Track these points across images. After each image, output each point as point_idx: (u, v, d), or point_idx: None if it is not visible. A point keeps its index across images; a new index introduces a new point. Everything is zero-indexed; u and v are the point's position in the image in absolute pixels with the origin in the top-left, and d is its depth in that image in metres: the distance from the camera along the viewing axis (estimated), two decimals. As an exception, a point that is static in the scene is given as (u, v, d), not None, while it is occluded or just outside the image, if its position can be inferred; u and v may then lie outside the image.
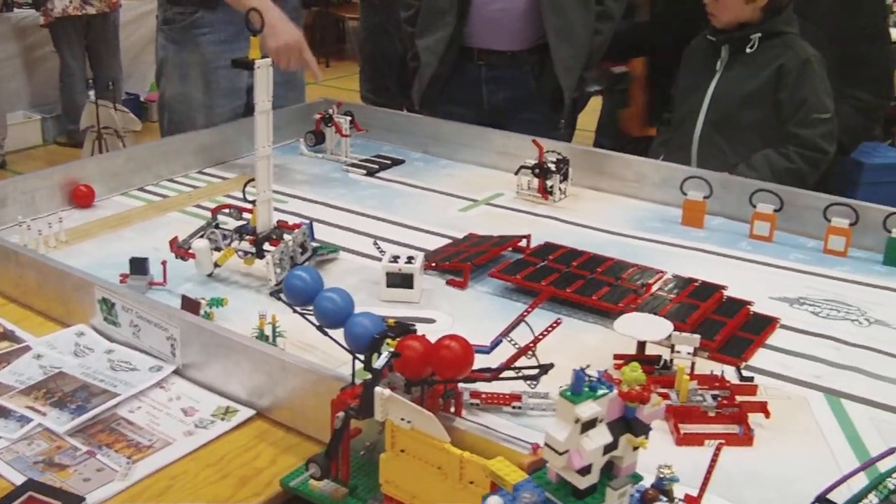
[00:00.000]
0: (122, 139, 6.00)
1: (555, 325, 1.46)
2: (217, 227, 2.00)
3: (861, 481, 1.13)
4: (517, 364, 1.45)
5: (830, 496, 1.14)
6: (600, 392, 0.93)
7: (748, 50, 2.78)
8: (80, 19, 6.66)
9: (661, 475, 1.08)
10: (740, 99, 2.80)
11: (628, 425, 0.95)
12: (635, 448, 0.96)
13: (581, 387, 0.92)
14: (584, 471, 0.93)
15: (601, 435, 0.93)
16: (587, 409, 0.91)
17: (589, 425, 0.92)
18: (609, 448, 0.94)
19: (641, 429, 0.95)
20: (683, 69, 3.07)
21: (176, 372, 1.62)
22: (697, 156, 2.88)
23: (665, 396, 1.52)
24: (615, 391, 0.94)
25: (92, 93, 6.81)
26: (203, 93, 2.92)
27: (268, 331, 1.66)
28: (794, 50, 2.74)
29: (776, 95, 2.74)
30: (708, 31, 2.89)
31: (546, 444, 0.94)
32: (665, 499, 1.04)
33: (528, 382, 1.47)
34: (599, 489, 0.95)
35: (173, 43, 2.98)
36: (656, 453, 1.03)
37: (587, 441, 0.92)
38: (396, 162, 2.78)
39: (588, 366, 1.03)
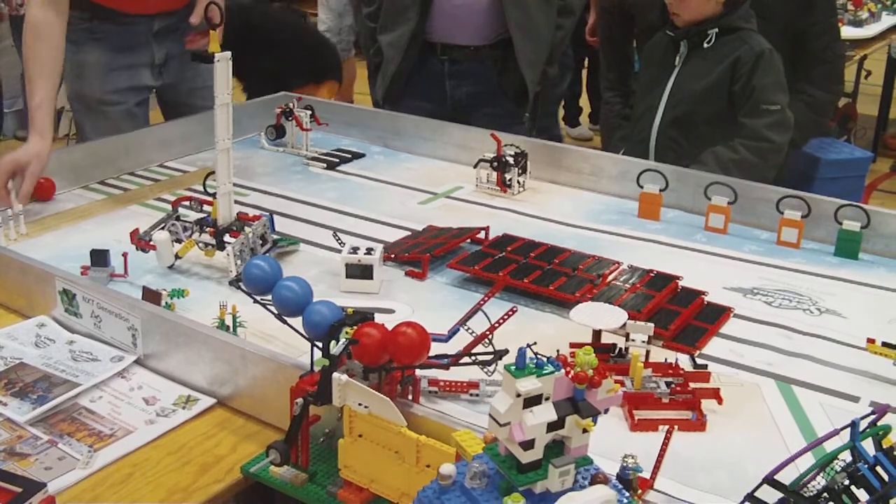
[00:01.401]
0: None
1: (511, 312, 1.48)
2: (178, 219, 2.01)
3: (810, 463, 1.16)
4: (474, 351, 1.47)
5: (779, 477, 1.16)
6: (546, 370, 0.95)
7: (705, 45, 2.81)
8: None
9: (625, 464, 1.10)
10: (697, 94, 2.83)
11: (576, 407, 0.97)
12: (585, 431, 0.98)
13: (524, 362, 0.94)
14: (527, 445, 0.95)
15: (545, 412, 0.95)
16: (527, 384, 0.94)
17: (533, 401, 0.94)
18: (554, 426, 0.96)
19: (588, 411, 0.96)
20: (644, 65, 3.10)
21: (137, 362, 1.64)
22: (655, 150, 2.91)
23: (620, 384, 1.54)
24: (562, 371, 0.96)
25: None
26: (100, 92, 2.87)
27: (228, 321, 1.67)
28: (749, 44, 2.76)
29: (731, 88, 2.78)
30: (667, 27, 2.91)
31: (490, 415, 0.97)
32: (619, 485, 1.06)
33: (485, 369, 1.49)
34: (544, 466, 0.98)
35: (72, 43, 2.94)
36: (611, 439, 1.05)
37: (529, 416, 0.94)
38: (356, 155, 2.79)
39: (535, 343, 1.05)
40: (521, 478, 0.97)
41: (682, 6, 2.81)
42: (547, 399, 0.95)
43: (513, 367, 0.95)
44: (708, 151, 2.74)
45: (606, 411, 0.99)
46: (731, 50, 2.77)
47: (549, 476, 0.97)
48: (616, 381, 1.52)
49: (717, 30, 2.79)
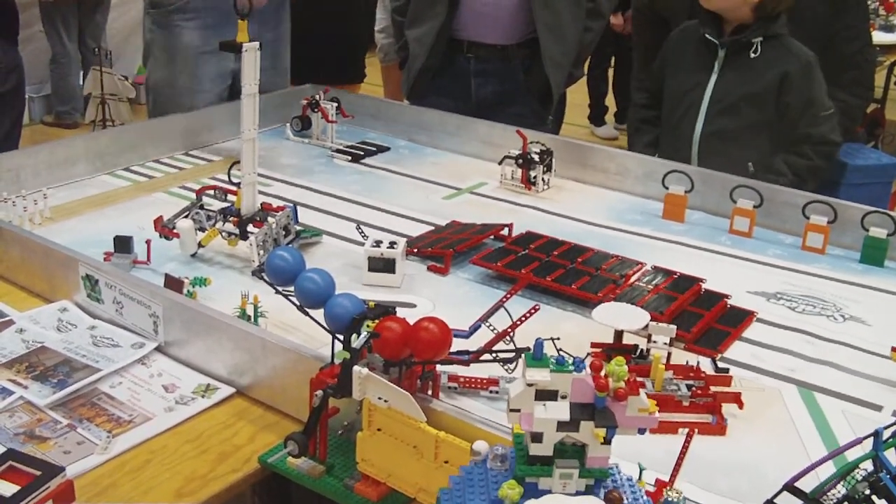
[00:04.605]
0: (128, 101, 6.69)
1: (533, 310, 1.48)
2: (202, 207, 2.01)
3: (830, 471, 1.15)
4: (495, 348, 1.47)
5: (799, 485, 1.15)
6: (564, 367, 0.94)
7: (752, 55, 2.77)
8: (73, 1, 6.70)
9: (668, 498, 1.09)
10: (741, 100, 2.79)
11: (593, 413, 0.95)
12: (604, 442, 0.97)
13: (541, 353, 0.94)
14: (536, 438, 0.95)
15: (558, 410, 0.94)
16: (536, 375, 0.93)
17: (547, 395, 0.94)
18: (566, 427, 0.94)
19: (604, 420, 0.94)
20: (671, 65, 3.03)
21: (158, 349, 1.64)
22: (699, 157, 2.88)
23: (641, 385, 1.53)
24: (583, 372, 0.94)
25: (81, 73, 6.89)
26: (189, 77, 2.92)
27: (249, 311, 1.67)
28: (794, 54, 2.75)
29: (781, 98, 2.74)
30: (701, 28, 2.86)
31: (507, 399, 0.97)
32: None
33: (505, 367, 1.49)
34: (553, 464, 0.97)
35: (160, 27, 2.98)
36: (630, 441, 1.04)
37: (540, 409, 0.93)
38: (382, 149, 2.79)
39: (559, 338, 1.04)
40: (524, 468, 0.97)
41: None
42: (564, 397, 0.94)
43: (531, 357, 0.94)
44: (778, 159, 2.74)
45: (643, 432, 0.97)
46: (776, 59, 2.75)
47: (552, 475, 0.96)
48: (637, 383, 1.53)
49: (761, 39, 2.76)
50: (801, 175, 2.70)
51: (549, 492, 0.97)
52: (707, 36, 2.83)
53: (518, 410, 0.94)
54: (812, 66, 2.75)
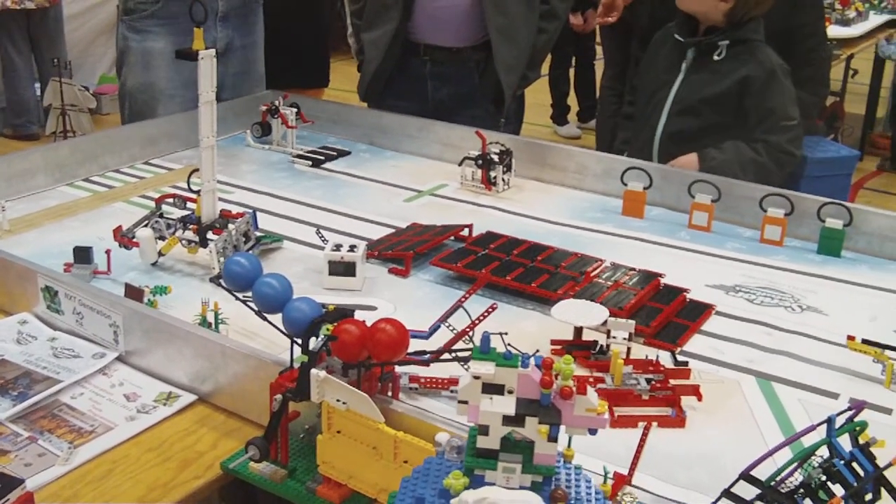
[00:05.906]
0: (89, 112, 6.71)
1: (491, 309, 1.49)
2: (161, 216, 2.00)
3: (788, 459, 1.16)
4: (454, 348, 1.48)
5: (757, 474, 1.16)
6: (510, 362, 0.95)
7: (716, 57, 2.78)
8: (20, 13, 6.66)
9: (621, 501, 1.10)
10: (702, 103, 2.80)
11: (537, 410, 0.96)
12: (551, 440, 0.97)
13: (488, 347, 0.95)
14: (483, 430, 0.96)
15: (503, 404, 0.94)
16: (480, 367, 0.94)
17: (494, 389, 0.95)
18: (511, 421, 0.95)
19: (547, 418, 0.95)
20: (647, 63, 3.05)
21: (119, 359, 1.64)
22: (659, 157, 2.89)
23: (600, 380, 1.55)
24: (529, 368, 0.95)
25: (37, 86, 6.87)
26: (166, 81, 2.92)
27: (210, 317, 1.67)
28: (758, 59, 2.74)
29: (740, 102, 2.74)
30: (675, 29, 2.88)
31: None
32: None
33: (465, 366, 1.49)
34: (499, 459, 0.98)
35: (135, 32, 2.99)
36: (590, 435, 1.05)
37: (486, 402, 0.94)
38: (342, 153, 2.79)
39: (506, 333, 1.04)
40: (471, 460, 0.97)
41: None
42: (511, 392, 0.95)
43: (478, 351, 0.95)
44: (730, 142, 2.71)
45: (594, 433, 0.97)
46: (739, 64, 2.74)
47: (497, 468, 0.97)
48: (596, 378, 1.54)
49: (727, 42, 2.76)
50: (744, 164, 2.67)
51: (493, 485, 0.97)
52: (676, 36, 2.85)
53: (466, 403, 0.95)
54: (775, 75, 2.74)
